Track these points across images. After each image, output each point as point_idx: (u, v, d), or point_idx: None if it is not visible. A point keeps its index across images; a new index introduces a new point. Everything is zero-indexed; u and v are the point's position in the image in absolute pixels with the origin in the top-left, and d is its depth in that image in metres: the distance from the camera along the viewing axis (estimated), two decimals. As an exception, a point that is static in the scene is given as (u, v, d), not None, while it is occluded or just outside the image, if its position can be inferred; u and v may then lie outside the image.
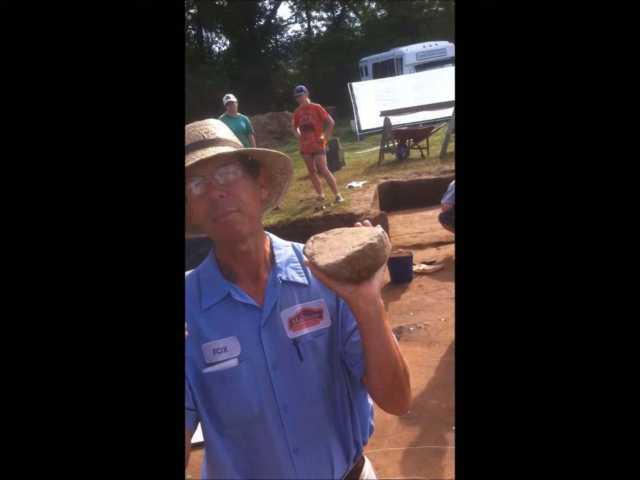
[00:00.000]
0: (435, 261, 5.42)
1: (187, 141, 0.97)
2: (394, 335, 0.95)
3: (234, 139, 1.02)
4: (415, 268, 5.21)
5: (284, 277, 1.01)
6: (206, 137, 0.97)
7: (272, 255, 1.04)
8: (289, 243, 1.08)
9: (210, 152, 0.93)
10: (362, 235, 0.86)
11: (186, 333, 0.81)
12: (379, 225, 0.89)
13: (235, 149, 0.97)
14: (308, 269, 0.92)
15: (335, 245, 0.87)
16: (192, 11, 25.43)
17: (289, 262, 1.04)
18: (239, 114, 6.93)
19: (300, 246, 1.05)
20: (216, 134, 0.98)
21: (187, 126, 0.99)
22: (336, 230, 0.93)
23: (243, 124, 6.87)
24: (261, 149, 1.00)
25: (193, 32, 26.34)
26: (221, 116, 6.75)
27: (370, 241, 0.83)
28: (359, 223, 0.92)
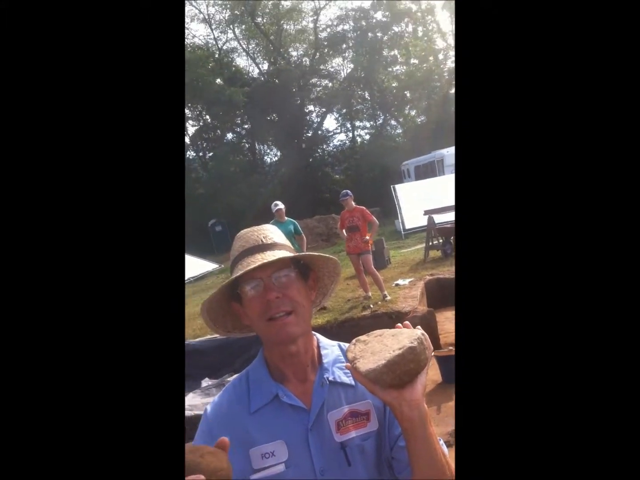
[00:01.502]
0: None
1: (246, 244, 1.02)
2: (442, 443, 0.91)
3: (288, 243, 1.07)
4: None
5: (330, 378, 1.01)
6: (264, 241, 1.02)
7: (319, 355, 1.04)
8: (335, 343, 1.09)
9: (269, 256, 0.98)
10: (403, 337, 0.86)
11: (227, 442, 0.79)
12: (419, 327, 0.90)
13: (290, 253, 1.01)
14: None
15: (377, 349, 0.87)
16: (246, 126, 27.66)
17: (335, 362, 1.04)
18: (287, 218, 7.24)
19: (346, 346, 1.05)
20: (273, 239, 1.03)
21: (245, 231, 1.07)
22: (377, 332, 0.93)
23: (292, 227, 7.14)
24: (314, 253, 1.06)
25: (247, 145, 28.42)
26: (271, 222, 7.12)
27: (411, 344, 0.82)
28: (399, 324, 0.93)
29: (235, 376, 1.08)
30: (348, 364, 0.90)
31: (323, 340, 1.09)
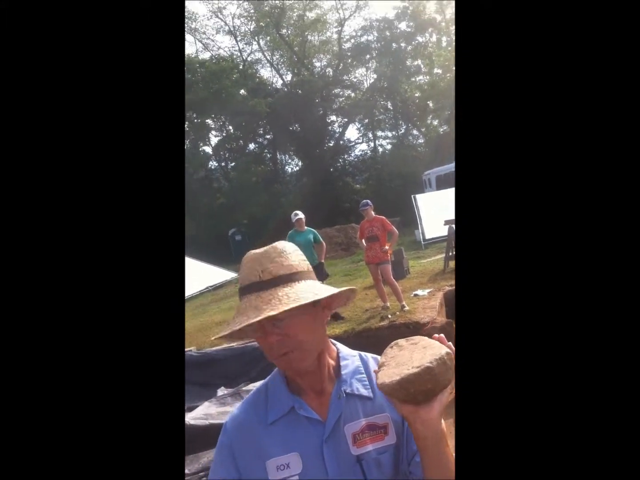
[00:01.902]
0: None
1: (245, 280, 0.95)
2: None
3: (294, 267, 0.96)
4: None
5: (348, 390, 0.99)
6: (262, 277, 0.93)
7: (338, 366, 1.02)
8: (356, 353, 1.07)
9: (267, 296, 0.90)
10: (428, 354, 0.83)
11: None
12: (450, 344, 0.86)
13: (294, 287, 0.92)
14: (374, 381, 0.92)
15: (403, 360, 0.85)
16: (268, 137, 27.92)
17: (355, 374, 1.02)
18: (306, 227, 7.28)
19: (367, 356, 1.05)
20: (272, 272, 0.93)
21: (249, 257, 0.97)
22: (416, 338, 0.91)
23: (311, 237, 7.17)
24: (325, 293, 0.94)
25: (268, 155, 28.69)
26: (291, 231, 7.15)
27: (429, 364, 0.79)
28: (436, 335, 0.90)
29: (254, 388, 1.06)
30: (376, 368, 0.89)
31: (343, 350, 1.07)
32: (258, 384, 1.08)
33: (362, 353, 1.07)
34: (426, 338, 0.90)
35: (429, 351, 0.84)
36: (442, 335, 0.90)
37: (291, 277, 0.94)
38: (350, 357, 1.05)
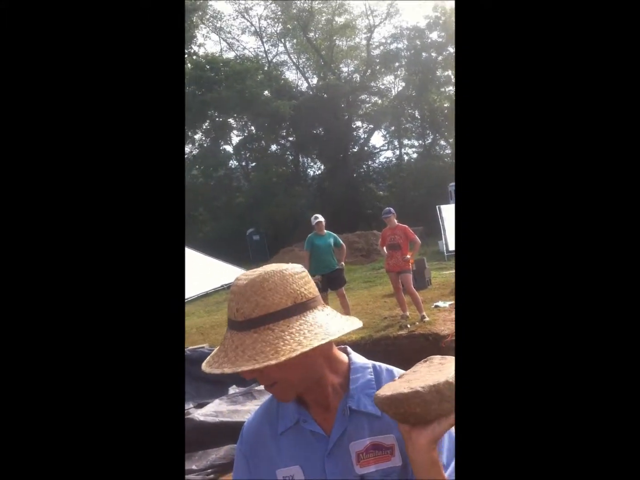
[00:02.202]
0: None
1: (227, 313, 0.88)
2: None
3: (273, 306, 0.84)
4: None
5: (354, 407, 0.94)
6: (236, 316, 0.85)
7: (348, 379, 0.97)
8: (370, 365, 1.01)
9: (238, 340, 0.83)
10: (433, 378, 0.80)
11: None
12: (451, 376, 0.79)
13: (268, 335, 0.82)
14: None
15: (417, 376, 0.83)
16: (291, 139, 27.96)
17: (364, 388, 0.96)
18: (326, 231, 7.23)
19: (382, 367, 1.00)
20: (245, 313, 0.84)
21: (232, 287, 0.88)
22: (448, 358, 0.87)
23: (331, 240, 7.13)
24: (307, 345, 0.81)
25: (290, 157, 28.72)
26: (310, 234, 7.08)
27: (419, 389, 0.77)
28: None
29: (268, 395, 1.03)
30: (391, 382, 0.87)
31: (357, 362, 1.01)
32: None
33: (378, 364, 1.01)
34: (448, 360, 0.86)
35: (437, 376, 0.81)
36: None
37: (267, 319, 0.83)
38: (362, 370, 0.99)
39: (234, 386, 5.13)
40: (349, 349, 1.03)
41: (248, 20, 27.95)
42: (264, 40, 28.38)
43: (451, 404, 0.76)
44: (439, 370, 0.83)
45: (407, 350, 5.87)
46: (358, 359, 1.02)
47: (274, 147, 28.28)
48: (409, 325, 6.50)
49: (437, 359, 0.88)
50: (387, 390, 0.81)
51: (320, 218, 7.24)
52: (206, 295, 12.62)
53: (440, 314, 7.04)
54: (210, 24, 27.33)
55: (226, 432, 3.94)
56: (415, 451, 0.78)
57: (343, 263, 7.26)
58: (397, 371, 0.99)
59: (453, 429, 0.84)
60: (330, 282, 6.84)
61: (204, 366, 0.85)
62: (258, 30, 28.09)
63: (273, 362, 0.78)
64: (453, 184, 19.83)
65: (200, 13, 25.74)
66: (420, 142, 28.63)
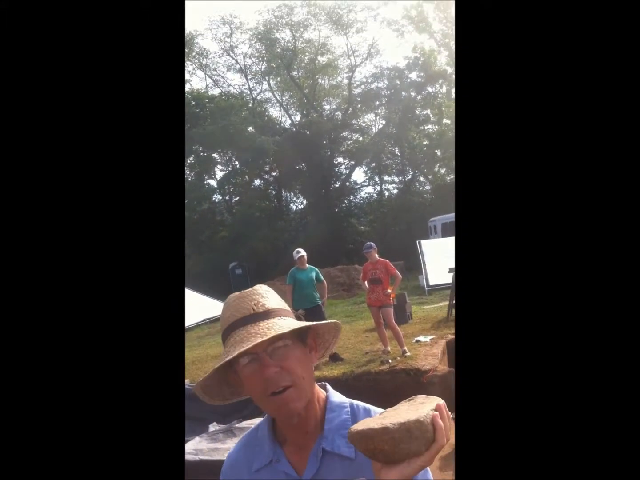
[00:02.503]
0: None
1: (237, 314, 0.94)
2: None
3: (283, 305, 0.99)
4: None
5: (328, 448, 0.94)
6: (256, 309, 0.94)
7: (323, 418, 0.97)
8: (347, 403, 1.00)
9: (263, 327, 0.90)
10: (407, 415, 0.78)
11: None
12: (429, 414, 0.77)
13: (287, 318, 0.95)
14: None
15: (393, 414, 0.81)
16: (274, 174, 28.20)
17: (339, 429, 0.95)
18: (308, 265, 7.25)
19: (360, 406, 0.99)
20: (265, 305, 0.95)
21: (235, 296, 0.98)
22: (432, 399, 0.83)
23: (313, 275, 7.14)
24: (313, 323, 0.98)
25: (273, 192, 28.92)
26: (292, 269, 7.10)
27: (389, 425, 0.75)
28: (440, 403, 0.79)
29: (252, 425, 1.07)
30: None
31: (334, 400, 1.00)
32: (250, 421, 1.12)
33: (356, 403, 1.00)
34: (439, 401, 0.81)
35: (411, 414, 0.78)
36: (443, 403, 0.80)
37: (281, 312, 0.96)
38: (339, 409, 0.98)
39: (215, 423, 5.04)
40: (328, 386, 1.04)
41: (233, 58, 28.52)
42: (249, 77, 28.92)
43: (422, 444, 0.75)
44: (417, 409, 0.81)
45: (388, 386, 5.86)
46: (335, 397, 1.01)
47: (257, 182, 28.48)
48: (390, 361, 6.48)
49: (420, 398, 0.86)
50: (361, 425, 0.80)
51: (303, 252, 7.25)
52: (188, 329, 12.44)
53: (422, 348, 7.04)
54: (196, 60, 27.79)
55: (205, 471, 3.86)
56: None
57: (325, 300, 7.27)
58: (374, 410, 0.98)
59: (429, 471, 0.87)
60: (310, 318, 6.85)
61: (222, 361, 0.91)
62: (243, 68, 28.64)
63: (307, 324, 0.95)
64: (433, 219, 20.14)
65: (187, 50, 26.25)
66: (400, 178, 29.06)
